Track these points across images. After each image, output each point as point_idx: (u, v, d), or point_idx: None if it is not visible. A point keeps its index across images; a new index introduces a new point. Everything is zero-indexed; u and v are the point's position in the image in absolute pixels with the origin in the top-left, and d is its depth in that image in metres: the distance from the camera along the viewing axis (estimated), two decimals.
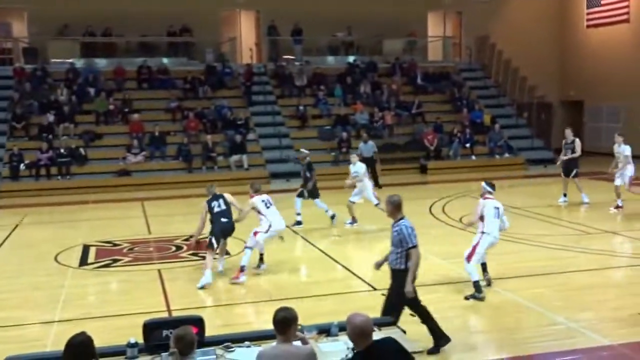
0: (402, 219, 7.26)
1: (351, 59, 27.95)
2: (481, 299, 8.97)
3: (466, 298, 9.05)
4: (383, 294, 9.19)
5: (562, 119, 30.25)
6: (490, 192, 9.55)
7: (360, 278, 10.18)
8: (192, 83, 25.27)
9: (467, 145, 24.32)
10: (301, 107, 24.93)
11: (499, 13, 29.33)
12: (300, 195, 14.70)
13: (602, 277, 10.05)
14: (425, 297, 9.05)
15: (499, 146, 24.60)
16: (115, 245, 13.00)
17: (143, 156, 22.19)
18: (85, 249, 12.69)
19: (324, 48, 28.60)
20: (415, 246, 7.13)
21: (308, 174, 14.65)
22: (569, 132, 16.88)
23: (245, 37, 28.53)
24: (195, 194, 18.93)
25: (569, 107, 30.55)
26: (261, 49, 28.07)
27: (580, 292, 9.28)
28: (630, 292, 9.29)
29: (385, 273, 10.38)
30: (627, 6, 26.73)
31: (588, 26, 28.91)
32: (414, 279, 7.26)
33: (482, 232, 9.31)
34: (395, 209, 7.27)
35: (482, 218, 9.32)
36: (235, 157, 22.12)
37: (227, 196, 10.65)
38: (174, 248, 12.60)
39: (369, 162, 19.85)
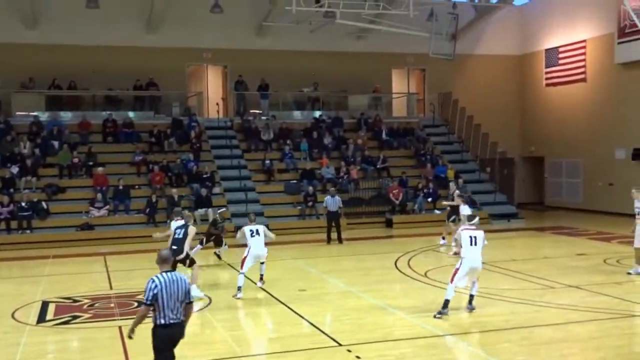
0: (163, 272, 6.78)
1: (317, 113, 28.28)
2: (445, 314, 10.59)
3: (434, 316, 10.52)
4: (349, 350, 9.13)
5: (524, 174, 30.88)
6: (470, 224, 11.16)
7: (325, 334, 10.07)
8: (158, 136, 25.23)
9: (431, 199, 24.56)
10: (267, 161, 25.00)
11: (461, 71, 30.10)
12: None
13: (565, 331, 10.10)
14: (392, 353, 9.02)
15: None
16: (75, 301, 12.69)
17: (107, 210, 21.92)
18: (44, 305, 12.36)
19: (290, 103, 28.94)
20: (145, 303, 6.66)
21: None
22: (452, 185, 19.26)
23: (212, 91, 28.75)
24: (160, 248, 18.72)
25: (530, 162, 31.19)
26: (228, 103, 28.26)
27: (544, 347, 9.30)
28: (592, 347, 9.34)
29: (352, 327, 10.34)
30: (584, 66, 27.64)
31: (547, 85, 29.79)
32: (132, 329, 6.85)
33: (462, 258, 10.79)
34: (159, 261, 6.87)
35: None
36: (200, 211, 21.97)
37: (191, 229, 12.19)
38: (135, 304, 12.34)
39: (334, 216, 20.04)
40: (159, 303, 6.60)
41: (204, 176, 23.66)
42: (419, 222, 23.64)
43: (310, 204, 23.03)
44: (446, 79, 29.68)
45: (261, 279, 13.47)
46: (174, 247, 11.88)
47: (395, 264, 16.06)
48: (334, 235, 19.97)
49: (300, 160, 25.65)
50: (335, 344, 9.48)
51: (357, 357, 8.77)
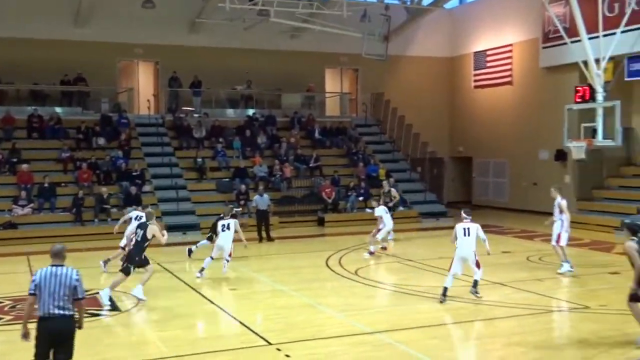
0: (50, 265, 6.91)
1: (250, 112, 28.14)
2: (443, 300, 11.66)
3: (440, 301, 11.62)
4: (278, 349, 9.13)
5: (453, 174, 31.56)
6: (465, 218, 12.23)
7: (255, 333, 10.04)
8: (86, 133, 24.59)
9: (363, 198, 24.82)
10: (199, 159, 24.72)
11: (393, 72, 30.50)
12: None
13: (490, 327, 10.37)
14: (321, 351, 9.07)
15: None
16: None
17: (31, 208, 21.21)
18: None
19: (223, 100, 28.69)
20: (29, 294, 6.84)
21: None
22: (386, 183, 19.62)
23: (143, 87, 28.22)
24: (87, 248, 18.27)
25: (459, 162, 31.90)
26: (159, 100, 27.80)
27: (470, 343, 9.54)
28: (515, 342, 9.63)
29: (282, 326, 10.35)
30: (510, 69, 28.45)
31: (475, 87, 30.52)
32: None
33: (456, 248, 11.93)
34: (50, 255, 6.93)
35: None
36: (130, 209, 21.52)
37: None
38: None
39: (263, 214, 20.04)
40: (38, 295, 6.76)
41: (134, 174, 23.21)
42: (351, 220, 23.84)
43: (242, 202, 22.90)
44: (379, 80, 30.02)
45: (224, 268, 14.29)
46: (132, 253, 11.98)
47: (327, 262, 16.15)
48: (265, 233, 19.96)
49: (233, 159, 25.47)
50: (265, 343, 9.46)
51: (287, 355, 8.78)
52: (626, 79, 22.47)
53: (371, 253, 17.20)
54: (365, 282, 13.81)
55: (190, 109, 27.47)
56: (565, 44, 21.09)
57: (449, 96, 32.07)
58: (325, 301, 12.19)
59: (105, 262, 15.08)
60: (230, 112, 28.47)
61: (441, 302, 11.69)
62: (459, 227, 12.11)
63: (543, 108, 26.10)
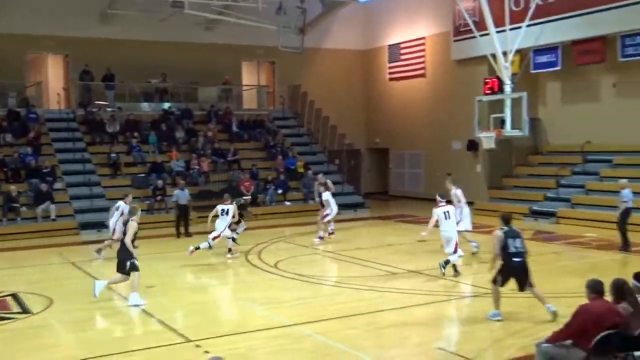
0: None
1: (166, 105, 27.63)
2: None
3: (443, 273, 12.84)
4: (198, 345, 9.05)
5: (370, 165, 32.03)
6: (441, 201, 13.18)
7: (174, 330, 9.90)
8: None
9: (282, 191, 24.84)
10: (113, 155, 24.10)
11: (310, 64, 30.60)
12: None
13: (406, 315, 10.61)
14: (241, 345, 9.05)
15: (312, 192, 25.35)
16: None
17: None
18: None
19: (137, 94, 28.02)
20: None
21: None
22: (321, 176, 19.84)
23: (53, 81, 27.21)
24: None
25: (376, 153, 32.39)
26: (70, 94, 26.88)
27: (387, 331, 9.73)
28: (431, 328, 9.90)
29: (202, 322, 10.26)
30: (424, 62, 29.06)
31: (390, 79, 31.02)
32: None
33: (440, 231, 12.80)
34: None
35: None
36: (42, 207, 20.79)
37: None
38: None
39: (184, 209, 19.77)
40: None
41: (44, 171, 22.39)
42: (270, 213, 23.84)
43: (159, 198, 22.51)
44: (295, 72, 30.06)
45: (229, 251, 15.60)
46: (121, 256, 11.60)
47: (246, 256, 16.09)
48: (183, 229, 19.70)
49: (149, 154, 24.96)
50: (184, 340, 9.35)
51: (206, 351, 8.71)
52: (532, 71, 23.40)
53: (321, 238, 17.82)
54: (285, 274, 13.85)
55: (103, 103, 26.71)
56: (474, 37, 21.73)
57: (365, 89, 32.47)
58: (245, 295, 12.15)
59: (99, 251, 15.65)
60: (145, 105, 27.86)
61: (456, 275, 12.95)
62: (439, 212, 12.94)
63: (455, 100, 26.81)
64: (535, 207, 22.12)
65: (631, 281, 7.17)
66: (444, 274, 13.00)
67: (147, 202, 22.67)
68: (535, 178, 24.33)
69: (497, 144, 19.54)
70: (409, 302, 11.38)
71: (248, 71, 31.00)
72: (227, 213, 15.42)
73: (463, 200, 15.47)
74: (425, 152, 29.28)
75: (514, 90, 18.57)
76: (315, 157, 28.23)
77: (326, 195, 18.27)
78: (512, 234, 9.82)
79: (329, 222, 18.42)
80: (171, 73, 27.54)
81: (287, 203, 24.77)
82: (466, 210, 15.59)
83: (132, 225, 11.57)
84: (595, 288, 6.86)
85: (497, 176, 25.33)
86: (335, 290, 12.33)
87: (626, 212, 15.68)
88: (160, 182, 22.81)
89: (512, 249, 9.70)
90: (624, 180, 16.25)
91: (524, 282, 9.85)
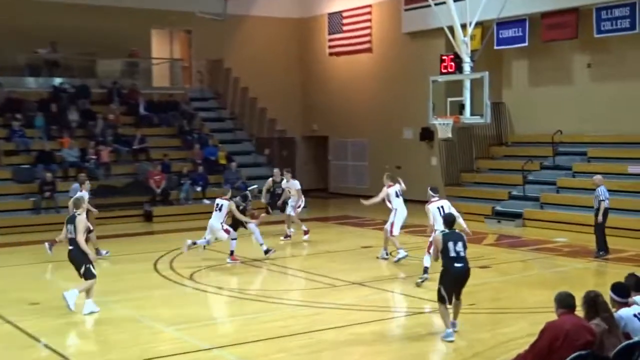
0: None
1: (57, 81, 27.04)
2: (427, 279, 13.28)
3: (416, 284, 13.20)
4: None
5: (306, 157, 32.10)
6: (434, 196, 13.65)
7: (64, 357, 9.69)
8: None
9: (200, 187, 24.65)
10: None
11: (234, 35, 30.42)
12: None
13: (347, 334, 10.67)
14: None
15: (236, 188, 25.25)
16: None
17: None
18: None
19: (21, 67, 27.25)
20: None
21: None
22: (277, 172, 20.08)
23: None
24: None
25: (313, 142, 32.50)
26: None
27: (324, 354, 9.76)
28: (375, 350, 9.99)
29: (100, 346, 10.07)
30: (369, 34, 29.28)
31: (330, 54, 31.13)
32: None
33: (435, 230, 12.78)
34: None
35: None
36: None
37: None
38: None
39: None
40: None
41: None
42: (185, 214, 23.60)
43: (47, 194, 22.02)
44: (217, 44, 29.80)
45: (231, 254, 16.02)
46: (70, 248, 11.78)
47: (155, 266, 15.91)
48: None
49: (35, 140, 24.41)
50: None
51: None
52: (495, 47, 23.87)
53: (290, 236, 18.86)
54: (202, 288, 13.75)
55: None
56: (429, 6, 21.91)
57: (301, 65, 32.51)
58: (153, 313, 12.00)
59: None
60: (30, 81, 27.19)
61: (420, 281, 13.40)
62: (433, 208, 13.40)
63: (406, 80, 27.12)
64: (498, 207, 22.60)
65: (608, 293, 7.38)
66: None
67: (33, 199, 22.15)
68: (498, 173, 24.84)
69: (454, 133, 19.84)
70: (351, 319, 11.44)
71: (159, 41, 30.60)
72: (220, 209, 15.74)
73: (395, 201, 15.97)
74: (371, 141, 29.53)
75: (474, 69, 18.88)
76: (241, 146, 28.11)
77: (297, 184, 19.43)
78: (452, 237, 10.15)
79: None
80: (63, 42, 26.87)
81: (206, 201, 24.53)
82: (402, 212, 16.05)
83: (81, 221, 11.59)
84: (564, 302, 7.04)
85: (454, 171, 25.77)
86: (263, 306, 12.29)
87: (605, 213, 16.16)
88: (49, 176, 22.36)
89: (452, 253, 10.01)
90: (598, 177, 16.71)
91: (462, 288, 10.19)
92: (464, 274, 10.10)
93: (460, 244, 10.06)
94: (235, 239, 16.23)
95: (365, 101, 29.57)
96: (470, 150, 25.91)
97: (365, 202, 16.52)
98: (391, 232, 15.95)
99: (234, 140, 28.24)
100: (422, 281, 13.44)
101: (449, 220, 10.54)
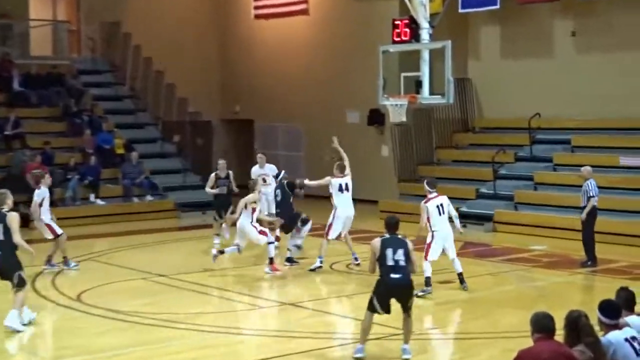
0: None
1: None
2: (430, 292, 13.99)
3: (417, 295, 12.47)
4: None
5: (227, 145, 31.93)
6: (431, 191, 14.48)
7: None
8: None
9: (90, 183, 24.35)
10: None
11: None
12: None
13: None
14: None
15: (137, 185, 24.99)
16: None
17: None
18: None
19: None
20: None
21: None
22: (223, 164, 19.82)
23: None
24: None
25: (235, 128, 32.41)
26: None
27: None
28: None
29: None
30: None
31: (257, 17, 30.95)
32: None
33: (433, 231, 14.13)
34: None
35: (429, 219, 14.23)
36: None
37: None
38: None
39: None
40: None
41: None
42: (72, 218, 23.17)
43: None
44: (112, 3, 29.47)
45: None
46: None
47: (34, 284, 15.61)
48: None
49: None
50: None
51: None
52: (460, 11, 24.02)
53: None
54: (93, 311, 13.57)
55: None
56: None
57: (220, 31, 32.36)
58: (28, 345, 11.81)
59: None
60: None
61: (421, 294, 13.63)
62: (431, 206, 14.29)
63: (351, 50, 27.15)
64: (464, 208, 22.75)
65: (595, 314, 7.47)
66: (466, 287, 14.45)
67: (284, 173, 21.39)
68: (464, 166, 25.08)
69: (410, 116, 19.92)
70: (280, 349, 11.43)
71: (38, 0, 30.11)
72: (245, 205, 16.16)
73: (338, 197, 16.42)
74: (307, 126, 29.52)
75: (433, 37, 18.98)
76: (143, 131, 27.96)
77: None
78: (392, 243, 10.40)
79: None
80: None
81: (99, 202, 24.30)
82: (345, 212, 16.42)
83: (14, 219, 12.02)
84: (542, 325, 7.10)
85: (410, 163, 25.89)
86: (171, 333, 12.18)
87: (594, 213, 16.38)
88: None
89: (390, 262, 10.27)
90: (588, 168, 16.89)
91: (406, 303, 10.39)
92: (402, 286, 10.33)
93: (400, 252, 10.27)
94: (272, 242, 16.17)
95: (300, 77, 29.53)
96: (430, 138, 26.11)
97: (309, 183, 17.22)
98: (327, 234, 16.33)
99: (134, 124, 28.01)
100: (424, 294, 13.96)
101: (390, 224, 10.71)
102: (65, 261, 16.98)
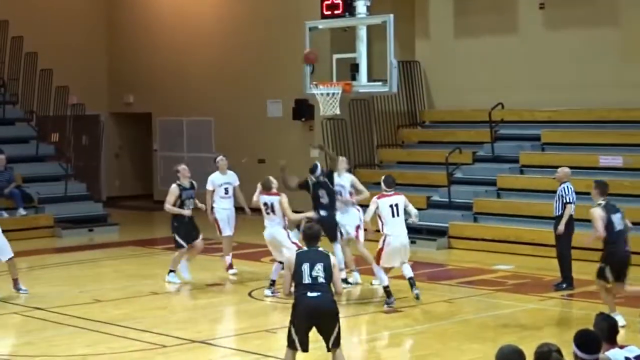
0: None
1: None
2: (392, 303, 15.01)
3: (384, 311, 14.35)
4: None
5: (119, 143, 31.77)
6: (387, 190, 15.34)
7: None
8: None
9: None
10: None
11: None
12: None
13: None
14: None
15: (6, 195, 24.74)
16: None
17: None
18: None
19: None
20: None
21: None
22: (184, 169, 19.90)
23: None
24: None
25: (129, 123, 32.29)
26: None
27: None
28: None
29: None
30: None
31: None
32: None
33: (385, 235, 15.00)
34: None
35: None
36: None
37: None
38: None
39: None
40: None
41: None
42: None
43: None
44: None
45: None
46: None
47: None
48: None
49: None
50: None
51: None
52: None
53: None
54: None
55: None
56: None
57: (108, 4, 32.19)
58: None
59: None
60: None
61: (387, 308, 15.03)
62: (384, 205, 15.19)
63: (271, 27, 27.26)
64: (412, 220, 22.87)
65: (571, 348, 7.59)
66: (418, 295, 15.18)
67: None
68: (411, 168, 25.26)
69: (344, 108, 20.01)
70: None
71: None
72: (272, 210, 16.69)
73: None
74: (219, 121, 29.54)
75: (373, 11, 19.09)
76: (13, 129, 27.82)
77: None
78: (310, 257, 10.29)
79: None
80: None
81: (23, 212, 24.08)
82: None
83: None
84: None
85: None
86: None
87: (571, 223, 16.52)
88: None
89: (306, 279, 10.13)
90: (564, 169, 17.02)
91: (329, 332, 10.19)
92: (322, 308, 10.10)
93: (319, 267, 10.11)
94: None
95: (208, 61, 29.55)
96: (370, 135, 26.22)
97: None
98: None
99: (2, 120, 27.76)
100: (389, 306, 15.15)
101: (309, 235, 10.55)
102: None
